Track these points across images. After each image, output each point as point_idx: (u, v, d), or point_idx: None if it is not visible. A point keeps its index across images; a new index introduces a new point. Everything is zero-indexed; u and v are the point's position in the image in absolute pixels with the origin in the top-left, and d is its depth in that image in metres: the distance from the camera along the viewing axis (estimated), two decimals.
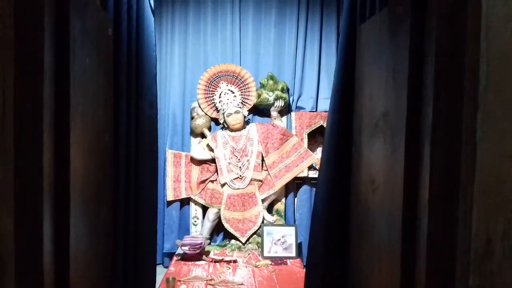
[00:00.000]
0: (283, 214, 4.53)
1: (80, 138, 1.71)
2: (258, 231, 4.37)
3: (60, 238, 1.56)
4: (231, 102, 4.49)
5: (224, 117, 4.44)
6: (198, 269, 3.79)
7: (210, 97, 4.55)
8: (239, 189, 4.41)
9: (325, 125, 4.40)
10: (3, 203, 1.23)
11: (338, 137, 2.41)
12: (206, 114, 4.54)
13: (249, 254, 4.19)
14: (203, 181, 4.50)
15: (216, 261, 3.95)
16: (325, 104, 4.53)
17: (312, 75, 4.62)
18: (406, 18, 1.64)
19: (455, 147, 1.34)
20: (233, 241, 4.42)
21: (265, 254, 4.14)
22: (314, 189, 4.42)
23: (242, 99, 4.55)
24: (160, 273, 3.53)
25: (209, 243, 4.34)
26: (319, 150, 4.61)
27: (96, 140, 1.96)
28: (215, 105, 4.55)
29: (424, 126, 1.53)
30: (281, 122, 4.56)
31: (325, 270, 2.44)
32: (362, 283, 2.14)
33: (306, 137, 4.54)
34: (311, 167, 4.50)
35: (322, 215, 2.49)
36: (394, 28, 1.78)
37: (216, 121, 4.60)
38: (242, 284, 3.45)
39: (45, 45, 1.41)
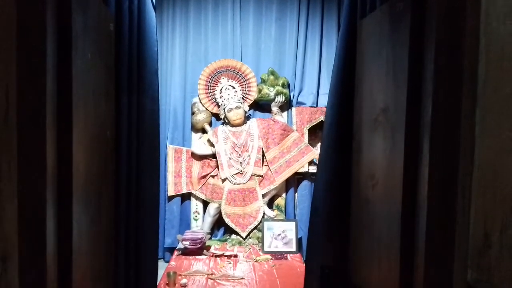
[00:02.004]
0: (283, 209, 4.55)
1: (82, 133, 1.72)
2: (259, 226, 4.39)
3: (63, 234, 1.57)
4: (231, 98, 4.50)
5: (225, 113, 4.45)
6: (199, 263, 3.81)
7: (211, 92, 4.56)
8: (239, 184, 4.43)
9: None
10: (6, 198, 1.24)
11: (337, 133, 2.42)
12: (207, 109, 4.55)
13: (250, 249, 4.21)
14: (204, 176, 4.52)
15: (216, 256, 3.97)
16: (325, 99, 4.48)
17: (312, 71, 4.62)
18: (406, 14, 1.64)
19: (454, 143, 1.35)
20: (233, 236, 4.45)
21: (266, 249, 4.16)
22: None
23: (242, 94, 4.55)
24: (161, 267, 3.55)
25: (210, 238, 4.36)
26: (320, 145, 4.62)
27: (98, 135, 1.97)
28: (216, 100, 4.55)
29: (423, 121, 1.54)
30: (282, 117, 4.57)
31: (324, 264, 2.46)
32: (362, 277, 2.16)
33: (307, 132, 4.55)
34: (311, 162, 4.51)
35: (321, 209, 2.51)
36: (394, 24, 1.78)
37: (217, 116, 4.60)
38: (242, 278, 3.47)
39: (47, 40, 1.42)
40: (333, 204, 2.45)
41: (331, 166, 2.46)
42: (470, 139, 1.26)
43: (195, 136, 4.59)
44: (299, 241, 4.28)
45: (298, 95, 4.63)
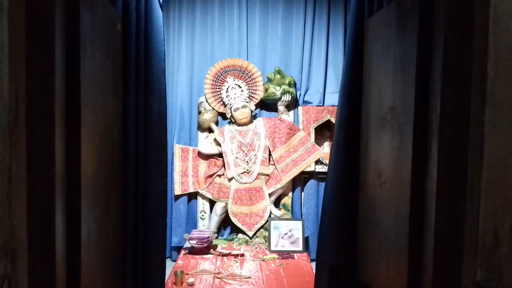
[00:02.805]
0: (290, 208, 4.55)
1: (91, 132, 1.73)
2: (265, 225, 4.39)
3: (71, 231, 1.58)
4: (238, 97, 4.50)
5: (231, 112, 4.46)
6: (206, 262, 3.82)
7: (217, 91, 4.56)
8: (246, 183, 4.43)
9: (332, 119, 4.41)
10: (16, 197, 1.25)
11: (347, 131, 2.42)
12: (213, 108, 4.56)
13: (256, 248, 4.21)
14: (211, 176, 4.52)
15: (223, 255, 3.98)
16: (332, 98, 4.53)
17: (319, 70, 4.61)
18: (414, 12, 1.63)
19: (463, 141, 1.34)
20: (240, 235, 4.45)
21: (272, 248, 4.16)
22: (321, 183, 4.45)
23: (249, 93, 4.55)
24: (168, 266, 3.56)
25: (217, 237, 4.37)
26: (326, 144, 4.61)
27: (106, 134, 1.98)
28: (222, 99, 4.56)
29: (431, 120, 1.53)
30: (288, 116, 4.56)
31: (335, 263, 2.45)
32: (370, 275, 2.15)
33: (313, 131, 4.54)
34: (318, 162, 4.50)
35: (332, 208, 2.51)
36: (402, 22, 1.77)
37: (223, 115, 4.61)
38: (249, 277, 3.48)
39: (56, 40, 1.43)
40: (343, 203, 2.44)
41: (341, 166, 2.46)
42: (479, 137, 1.25)
43: (202, 136, 4.60)
44: (305, 240, 4.28)
45: (305, 94, 4.62)
